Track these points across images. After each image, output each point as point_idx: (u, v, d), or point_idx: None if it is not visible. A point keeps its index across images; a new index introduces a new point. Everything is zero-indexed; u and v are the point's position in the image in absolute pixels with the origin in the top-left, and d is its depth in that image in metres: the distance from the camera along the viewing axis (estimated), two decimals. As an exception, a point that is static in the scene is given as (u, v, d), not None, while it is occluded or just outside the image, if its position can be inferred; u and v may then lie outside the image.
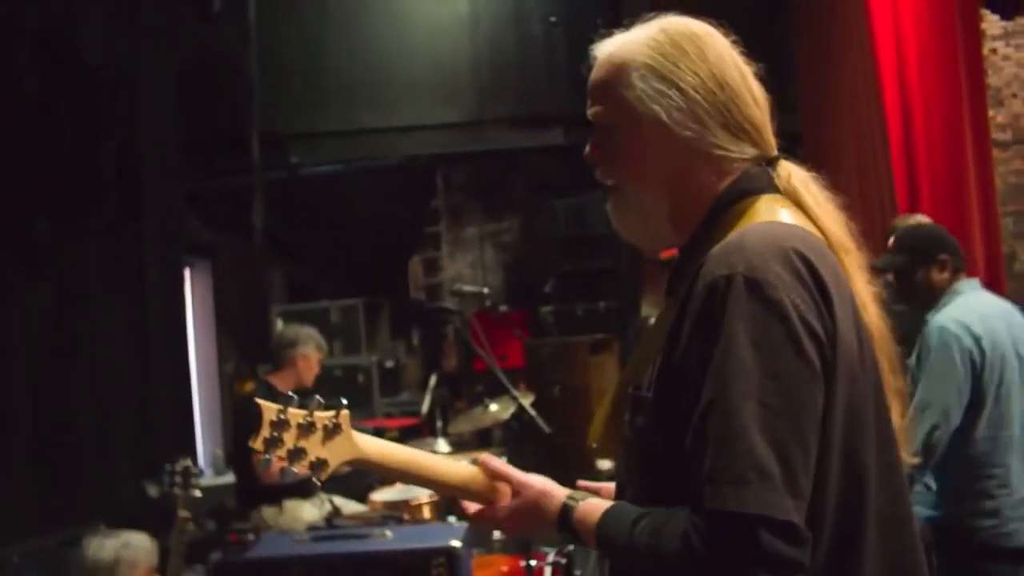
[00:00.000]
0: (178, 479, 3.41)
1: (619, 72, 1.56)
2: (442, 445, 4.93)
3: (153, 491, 6.40)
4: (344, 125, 8.60)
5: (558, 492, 1.59)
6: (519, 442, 6.17)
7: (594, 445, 1.72)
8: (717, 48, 1.55)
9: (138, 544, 3.40)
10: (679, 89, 1.51)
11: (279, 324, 8.01)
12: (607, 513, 1.48)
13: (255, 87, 7.93)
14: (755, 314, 1.34)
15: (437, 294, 9.78)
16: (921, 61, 5.13)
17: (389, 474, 1.66)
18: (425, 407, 5.67)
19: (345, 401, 1.62)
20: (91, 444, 6.06)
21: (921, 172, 5.15)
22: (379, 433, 7.14)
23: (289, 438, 1.54)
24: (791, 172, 1.57)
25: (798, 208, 1.53)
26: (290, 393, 1.59)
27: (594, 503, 1.53)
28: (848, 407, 1.40)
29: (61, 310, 6.38)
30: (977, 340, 3.36)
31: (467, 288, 8.81)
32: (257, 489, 5.00)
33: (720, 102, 1.52)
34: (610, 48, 1.59)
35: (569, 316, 8.54)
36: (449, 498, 3.81)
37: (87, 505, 5.79)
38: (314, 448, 1.55)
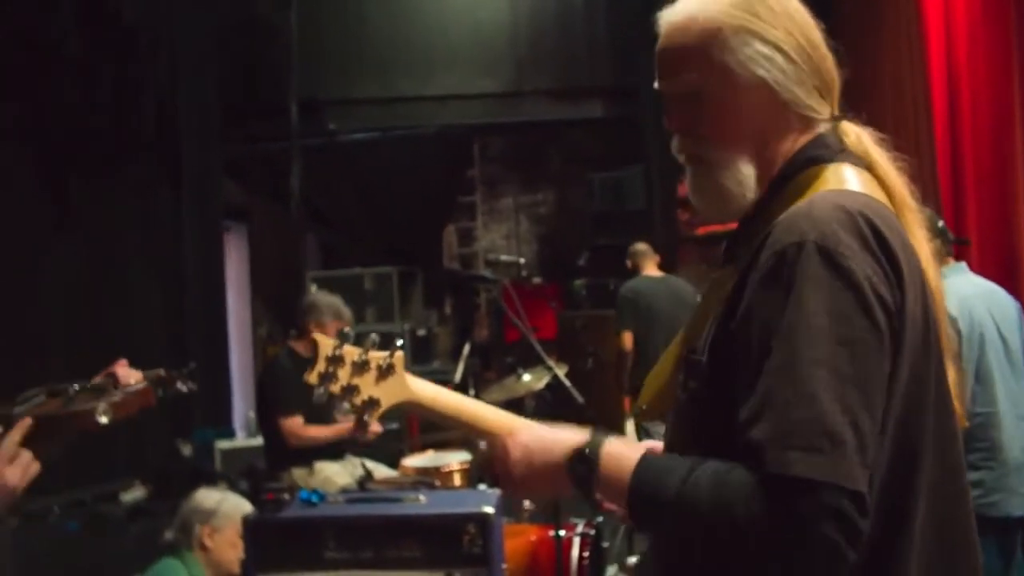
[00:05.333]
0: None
1: (712, 36, 1.48)
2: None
3: (187, 450, 6.49)
4: (382, 92, 8.59)
5: (576, 430, 1.53)
6: (551, 413, 6.15)
7: (643, 407, 1.71)
8: (795, 4, 1.52)
9: (237, 505, 3.45)
10: (782, 52, 1.48)
11: (312, 290, 8.04)
12: (647, 457, 1.42)
13: (294, 52, 7.94)
14: (826, 282, 1.32)
15: (471, 264, 9.78)
16: (971, 35, 4.98)
17: (438, 419, 1.65)
18: (458, 376, 5.67)
19: (400, 342, 1.61)
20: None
21: (966, 155, 5.01)
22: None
23: (344, 374, 1.55)
24: (859, 132, 1.55)
25: (868, 169, 1.51)
26: (345, 330, 1.59)
27: (623, 445, 1.46)
28: (910, 379, 1.38)
29: (97, 267, 6.43)
30: (952, 322, 3.45)
31: (504, 258, 8.81)
32: (286, 451, 5.03)
33: (814, 63, 1.50)
34: (688, 11, 1.51)
35: (602, 290, 8.49)
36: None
37: (121, 462, 5.85)
38: (367, 387, 1.55)
